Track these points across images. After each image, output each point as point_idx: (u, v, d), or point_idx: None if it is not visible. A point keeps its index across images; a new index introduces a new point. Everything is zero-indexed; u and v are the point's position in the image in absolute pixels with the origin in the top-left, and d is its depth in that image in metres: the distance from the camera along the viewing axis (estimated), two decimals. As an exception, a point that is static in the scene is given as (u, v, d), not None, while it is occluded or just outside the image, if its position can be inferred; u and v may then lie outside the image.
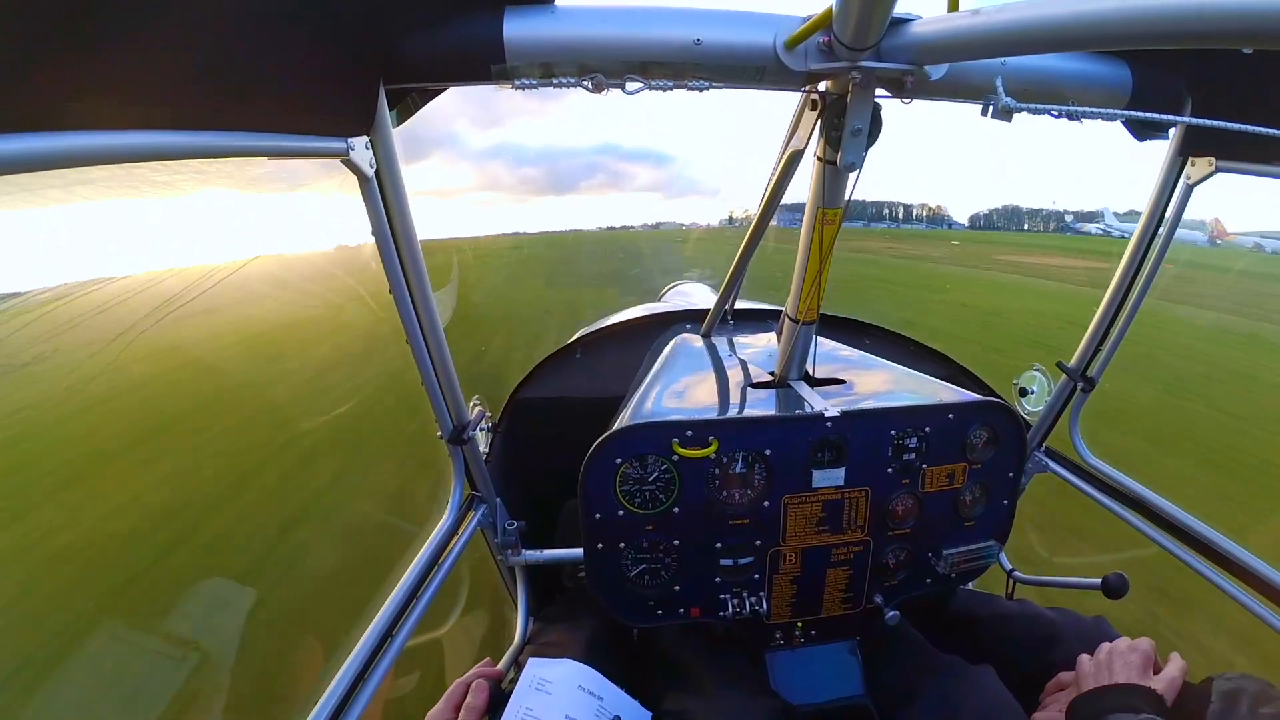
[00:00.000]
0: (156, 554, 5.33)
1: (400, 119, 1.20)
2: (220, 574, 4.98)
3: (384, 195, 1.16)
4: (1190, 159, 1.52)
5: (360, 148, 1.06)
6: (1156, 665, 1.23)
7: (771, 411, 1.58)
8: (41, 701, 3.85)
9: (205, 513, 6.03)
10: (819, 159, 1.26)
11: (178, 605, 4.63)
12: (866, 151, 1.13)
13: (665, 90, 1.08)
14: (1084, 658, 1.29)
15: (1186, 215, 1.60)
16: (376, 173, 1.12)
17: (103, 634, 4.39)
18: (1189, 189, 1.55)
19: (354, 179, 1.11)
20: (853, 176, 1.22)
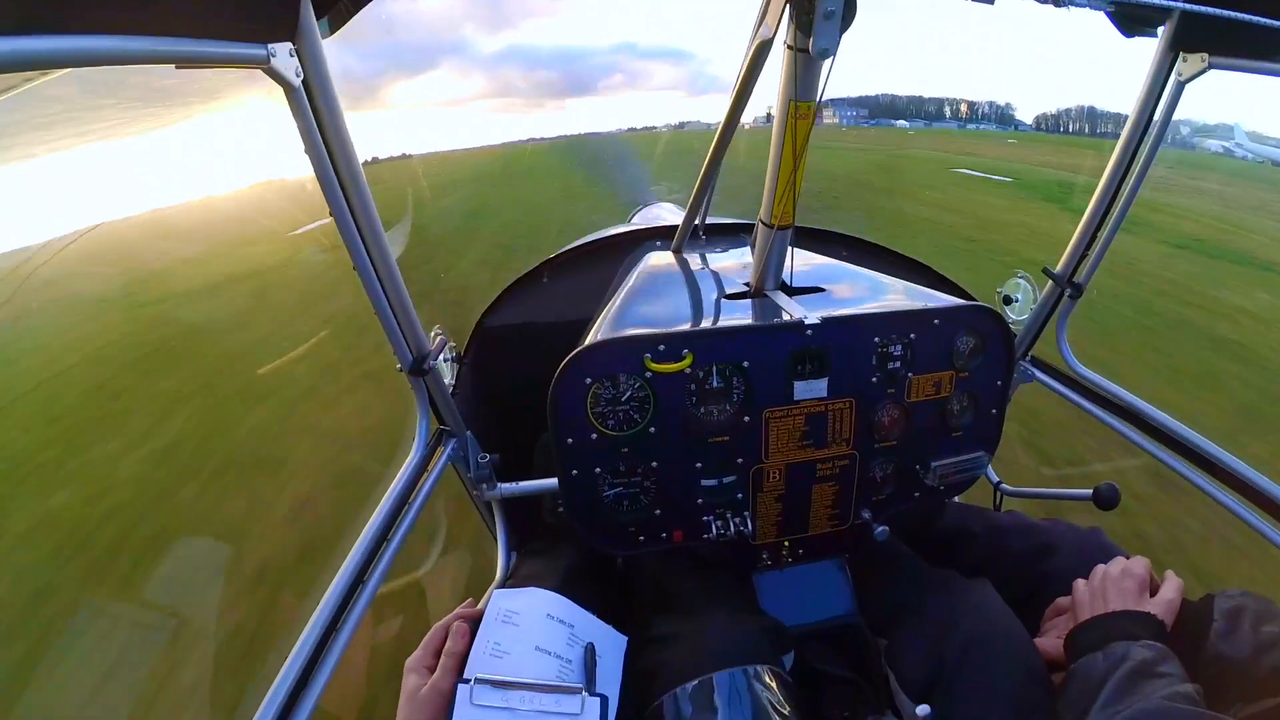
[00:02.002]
0: (108, 507, 5.25)
1: (334, 27, 1.10)
2: (180, 526, 4.92)
3: (314, 106, 1.06)
4: (1182, 54, 1.46)
5: (284, 54, 0.97)
6: (1153, 585, 1.20)
7: (748, 321, 1.49)
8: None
9: (157, 466, 5.94)
10: (789, 47, 1.15)
11: (140, 561, 4.57)
12: (840, 37, 1.03)
13: None
14: (1079, 583, 1.25)
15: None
16: (304, 81, 1.02)
17: (64, 593, 4.36)
18: (1180, 86, 1.50)
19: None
20: (826, 65, 1.12)
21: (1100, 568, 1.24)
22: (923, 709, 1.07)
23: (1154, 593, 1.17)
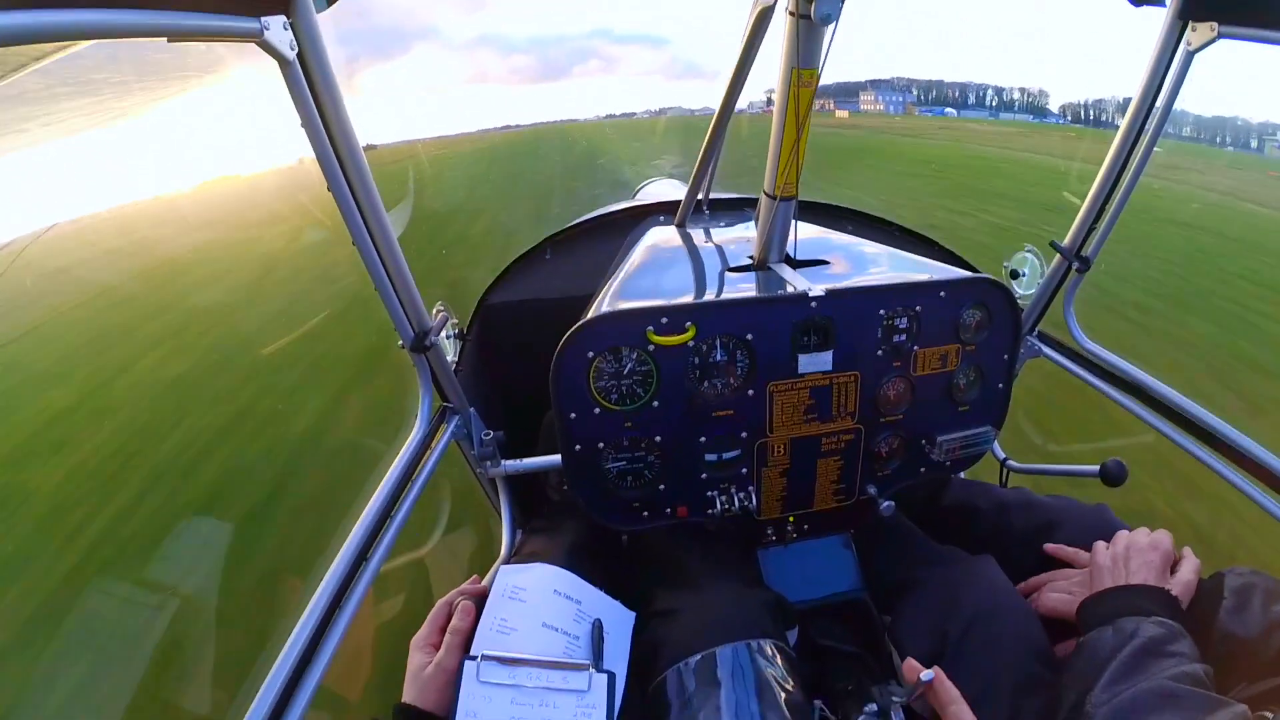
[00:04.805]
0: (106, 483, 5.29)
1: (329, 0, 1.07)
2: (184, 501, 4.93)
3: (310, 81, 1.04)
4: (1190, 24, 1.41)
5: (278, 28, 0.94)
6: (1174, 562, 1.19)
7: (752, 293, 1.47)
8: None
9: (160, 437, 5.97)
10: (791, 14, 1.13)
11: (141, 537, 4.59)
12: (843, 2, 1.03)
13: None
14: (1100, 546, 1.23)
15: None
16: (299, 55, 1.00)
17: (62, 565, 4.37)
18: (1189, 56, 1.45)
19: None
20: (829, 31, 1.11)
21: (1125, 534, 1.23)
22: (927, 674, 1.07)
23: (1174, 568, 1.17)
